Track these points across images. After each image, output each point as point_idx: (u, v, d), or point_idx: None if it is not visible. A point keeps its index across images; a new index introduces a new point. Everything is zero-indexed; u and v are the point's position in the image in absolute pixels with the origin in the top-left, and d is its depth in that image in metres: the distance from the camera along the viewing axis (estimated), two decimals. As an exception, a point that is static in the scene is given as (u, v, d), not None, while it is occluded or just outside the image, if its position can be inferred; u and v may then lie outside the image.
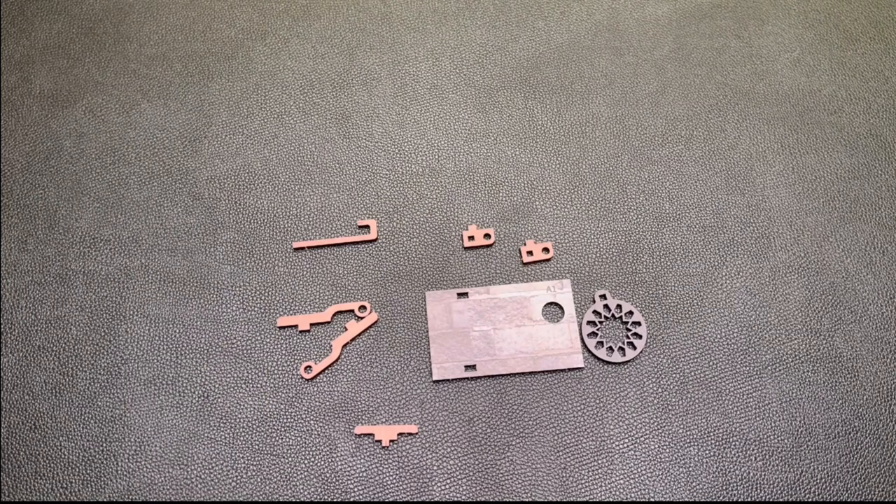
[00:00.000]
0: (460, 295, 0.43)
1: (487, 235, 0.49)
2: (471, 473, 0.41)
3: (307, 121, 0.53)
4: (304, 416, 0.43)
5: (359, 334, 0.46)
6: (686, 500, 0.41)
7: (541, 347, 0.42)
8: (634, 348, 0.45)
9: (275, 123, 0.53)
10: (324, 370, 0.45)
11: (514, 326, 0.42)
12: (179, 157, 0.52)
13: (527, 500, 0.40)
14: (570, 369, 0.43)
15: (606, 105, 0.54)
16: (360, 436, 0.42)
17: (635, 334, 0.46)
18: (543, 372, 0.44)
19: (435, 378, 0.41)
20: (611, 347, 0.45)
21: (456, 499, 0.40)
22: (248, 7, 0.59)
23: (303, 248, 0.48)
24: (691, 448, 0.42)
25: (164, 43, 0.57)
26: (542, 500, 0.40)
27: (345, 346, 0.45)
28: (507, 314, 0.42)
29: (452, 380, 0.42)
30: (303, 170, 0.51)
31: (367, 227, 0.49)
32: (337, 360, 0.45)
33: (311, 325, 0.46)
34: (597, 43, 0.57)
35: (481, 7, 0.59)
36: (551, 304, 0.44)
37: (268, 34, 0.57)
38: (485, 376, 0.42)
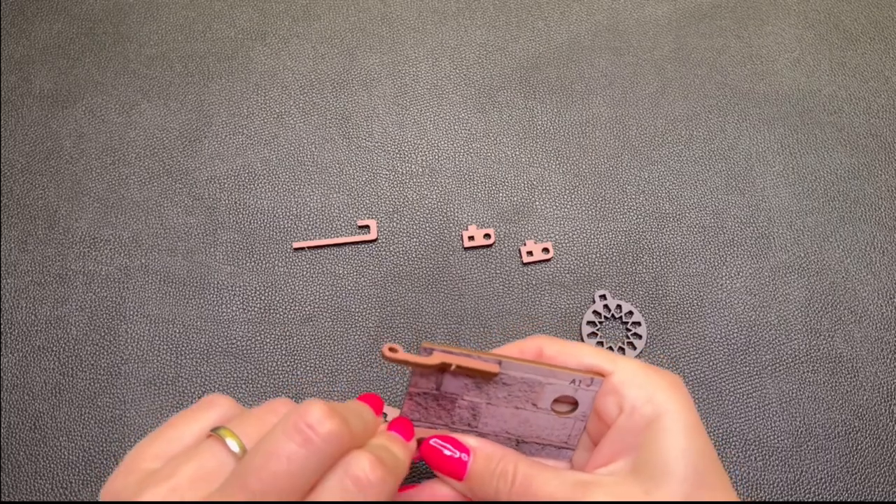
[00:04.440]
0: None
1: (487, 235, 0.49)
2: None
3: (307, 121, 0.53)
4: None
5: None
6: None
7: (531, 434, 0.35)
8: (634, 348, 0.45)
9: (275, 123, 0.53)
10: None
11: (511, 407, 0.34)
12: (179, 157, 0.52)
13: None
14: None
15: (606, 105, 0.54)
16: None
17: (635, 334, 0.46)
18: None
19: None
20: (611, 347, 0.45)
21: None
22: (248, 7, 0.59)
23: (303, 248, 0.48)
24: (691, 448, 0.42)
25: (164, 43, 0.57)
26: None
27: (345, 346, 0.45)
28: (509, 393, 0.34)
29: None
30: (303, 170, 0.51)
31: (367, 227, 0.49)
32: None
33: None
34: (597, 43, 0.57)
35: (481, 7, 0.59)
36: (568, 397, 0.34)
37: (268, 34, 0.57)
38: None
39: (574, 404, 0.34)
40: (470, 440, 0.32)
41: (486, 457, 0.31)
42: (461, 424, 0.34)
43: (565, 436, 0.34)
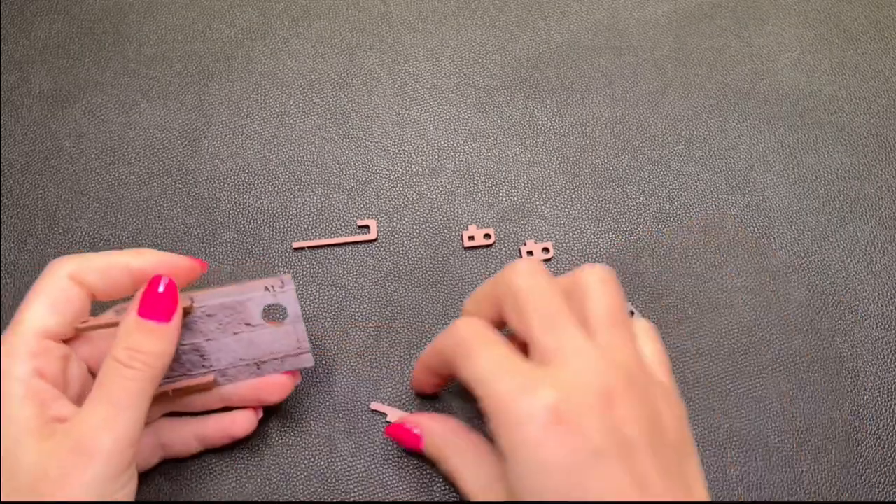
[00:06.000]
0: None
1: (487, 235, 0.49)
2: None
3: (307, 121, 0.53)
4: (304, 415, 0.43)
5: None
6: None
7: (263, 353, 0.37)
8: (634, 348, 0.45)
9: (275, 123, 0.53)
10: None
11: (230, 335, 0.36)
12: (179, 157, 0.52)
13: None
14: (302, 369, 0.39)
15: (606, 105, 0.54)
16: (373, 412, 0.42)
17: (635, 334, 0.46)
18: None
19: None
20: (611, 347, 0.45)
21: (451, 490, 0.40)
22: (248, 7, 0.59)
23: (303, 248, 0.48)
24: (691, 448, 0.42)
25: (163, 43, 0.57)
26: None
27: (345, 346, 0.45)
28: (219, 322, 0.35)
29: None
30: (303, 170, 0.51)
31: (367, 227, 0.49)
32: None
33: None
34: (597, 43, 0.57)
35: (481, 7, 0.59)
36: (274, 305, 0.36)
37: (268, 34, 0.57)
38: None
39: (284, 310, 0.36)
40: (421, 419, 0.38)
41: (430, 433, 0.37)
42: (196, 368, 0.35)
43: (294, 342, 0.37)
